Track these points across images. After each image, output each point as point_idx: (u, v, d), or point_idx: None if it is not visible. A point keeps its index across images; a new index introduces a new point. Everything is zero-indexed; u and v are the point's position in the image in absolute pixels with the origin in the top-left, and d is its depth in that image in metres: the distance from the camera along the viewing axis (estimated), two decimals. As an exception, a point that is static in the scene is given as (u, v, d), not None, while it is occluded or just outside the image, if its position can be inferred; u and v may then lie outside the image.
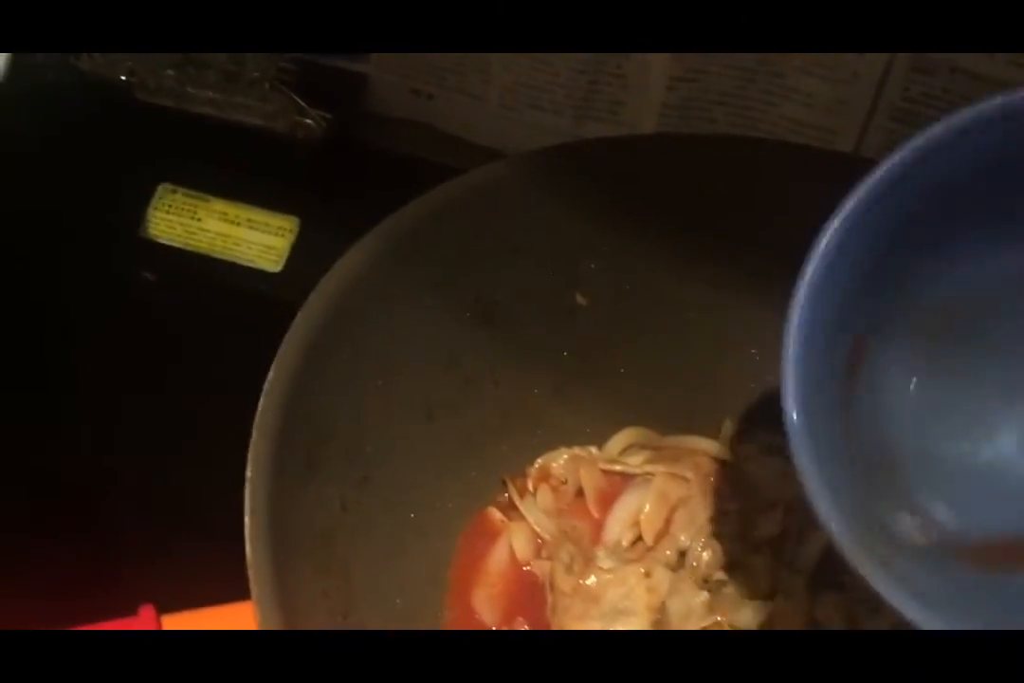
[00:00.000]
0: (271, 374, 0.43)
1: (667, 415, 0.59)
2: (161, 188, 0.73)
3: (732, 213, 0.58)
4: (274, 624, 0.35)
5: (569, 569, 0.49)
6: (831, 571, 0.53)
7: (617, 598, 0.48)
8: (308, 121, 0.82)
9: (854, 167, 0.59)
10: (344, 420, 0.48)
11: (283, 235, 0.74)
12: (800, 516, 0.54)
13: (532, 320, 0.57)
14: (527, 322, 0.57)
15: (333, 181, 0.76)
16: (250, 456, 0.40)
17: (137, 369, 0.64)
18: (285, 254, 0.72)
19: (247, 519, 0.37)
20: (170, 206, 0.73)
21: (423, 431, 0.53)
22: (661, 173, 0.57)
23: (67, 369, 0.64)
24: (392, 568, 0.48)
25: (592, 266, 0.58)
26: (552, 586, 0.50)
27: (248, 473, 0.39)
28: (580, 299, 0.59)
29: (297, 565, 0.40)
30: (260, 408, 0.42)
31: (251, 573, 0.36)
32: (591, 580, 0.48)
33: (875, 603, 0.50)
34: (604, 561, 0.49)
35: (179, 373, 0.65)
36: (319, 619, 0.41)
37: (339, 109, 0.78)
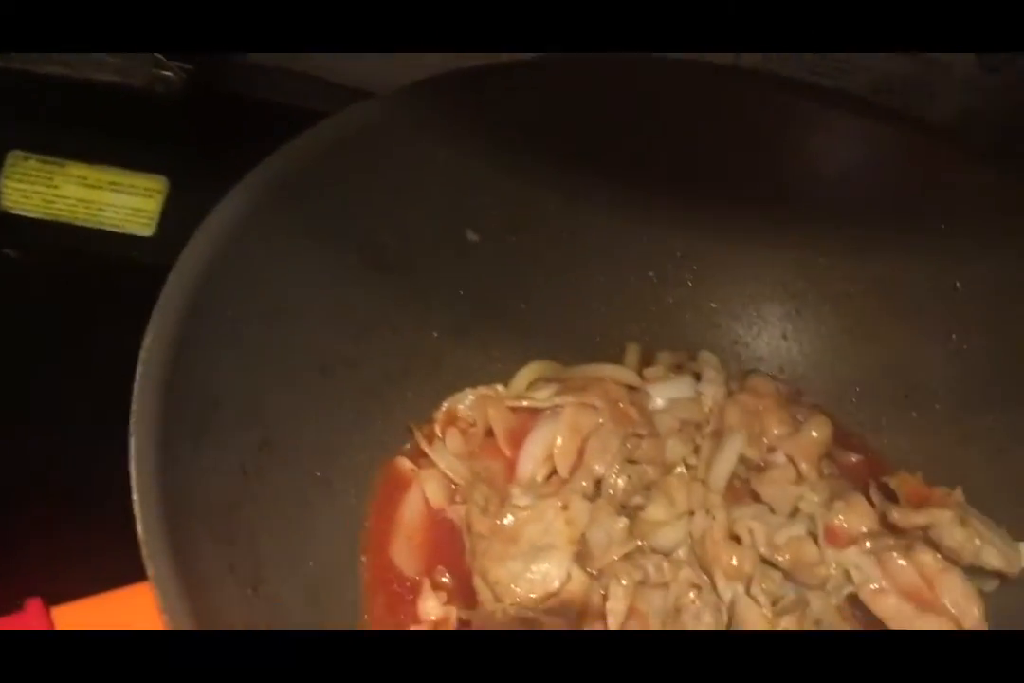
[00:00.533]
0: (146, 340, 0.40)
1: (571, 346, 0.58)
2: (11, 156, 0.68)
3: (620, 136, 0.56)
4: (175, 602, 0.33)
5: (485, 511, 0.48)
6: (745, 484, 0.53)
7: (536, 535, 0.47)
8: (167, 74, 0.77)
9: (739, 80, 0.59)
10: (234, 383, 0.45)
11: (152, 196, 0.69)
12: (709, 433, 0.54)
13: (424, 261, 0.55)
14: (419, 263, 0.55)
15: (200, 135, 0.72)
16: (132, 428, 0.37)
17: (9, 352, 0.60)
18: (156, 216, 0.68)
19: (135, 495, 0.35)
20: (23, 174, 0.68)
21: (321, 386, 0.50)
22: (544, 99, 0.55)
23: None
24: (303, 531, 0.46)
25: (481, 201, 0.56)
26: (469, 529, 0.49)
27: (132, 447, 0.36)
28: (472, 235, 0.57)
29: (196, 540, 0.38)
30: (138, 377, 0.39)
31: (144, 552, 0.34)
32: (508, 519, 0.47)
33: (792, 514, 0.51)
34: (519, 499, 0.48)
35: (55, 352, 0.61)
36: (227, 593, 0.39)
37: (200, 59, 0.73)
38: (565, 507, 0.47)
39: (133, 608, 0.34)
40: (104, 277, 0.65)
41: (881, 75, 0.64)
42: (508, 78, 0.56)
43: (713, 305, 0.61)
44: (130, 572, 0.34)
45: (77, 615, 0.34)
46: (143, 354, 0.40)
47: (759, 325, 0.61)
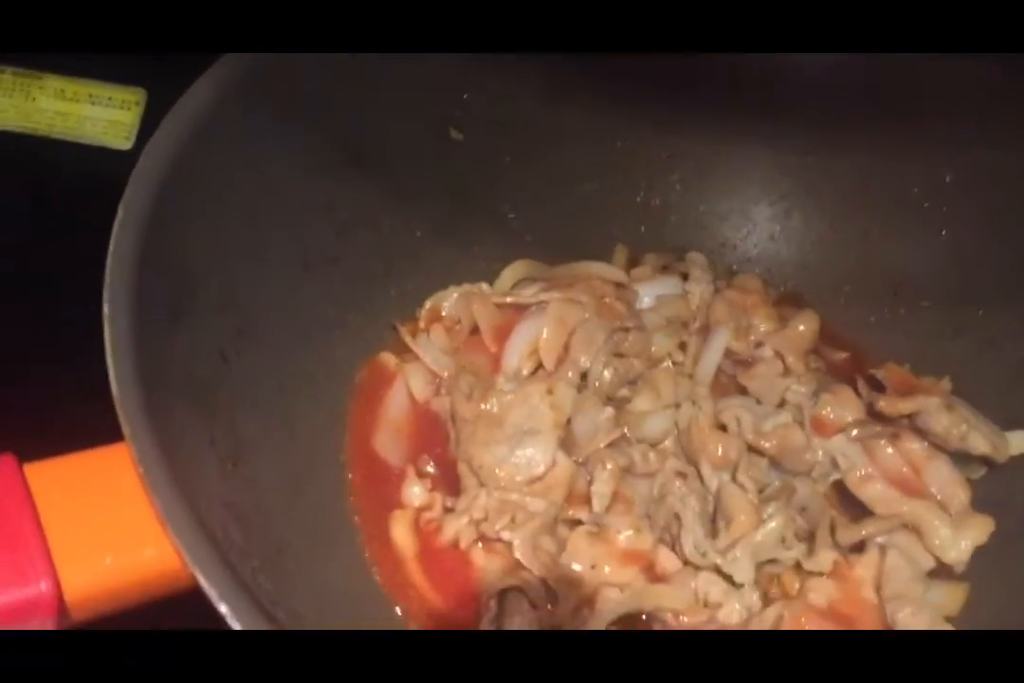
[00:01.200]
0: (120, 212, 0.39)
1: (556, 247, 0.58)
2: (-14, 69, 0.66)
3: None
4: (153, 461, 0.32)
5: (469, 397, 0.48)
6: (732, 380, 0.53)
7: (521, 419, 0.46)
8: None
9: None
10: (211, 270, 0.44)
11: (129, 109, 0.68)
12: (696, 329, 0.54)
13: (408, 160, 0.54)
14: (403, 162, 0.54)
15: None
16: (106, 294, 0.36)
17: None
18: (135, 129, 0.67)
19: (109, 356, 0.34)
20: (-1, 88, 0.67)
21: (301, 280, 0.50)
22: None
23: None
24: (284, 417, 0.46)
25: (464, 98, 0.55)
26: (454, 416, 0.48)
27: (105, 310, 0.36)
28: (455, 134, 0.56)
29: (175, 409, 0.37)
30: (112, 245, 0.38)
31: (120, 411, 0.33)
32: (492, 403, 0.47)
33: (779, 405, 0.50)
34: (505, 385, 0.48)
35: (31, 259, 0.60)
36: (206, 464, 0.39)
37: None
38: (550, 391, 0.47)
39: (108, 468, 0.33)
40: (82, 189, 0.64)
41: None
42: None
43: (701, 208, 0.60)
44: (108, 433, 0.34)
45: (50, 473, 0.33)
46: (116, 225, 0.39)
47: (747, 227, 0.60)
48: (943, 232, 0.55)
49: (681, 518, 0.45)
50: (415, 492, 0.47)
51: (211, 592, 0.29)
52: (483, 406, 0.47)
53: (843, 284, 0.58)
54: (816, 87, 0.55)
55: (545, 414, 0.46)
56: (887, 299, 0.57)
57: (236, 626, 0.29)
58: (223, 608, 0.29)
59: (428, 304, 0.54)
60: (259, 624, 0.29)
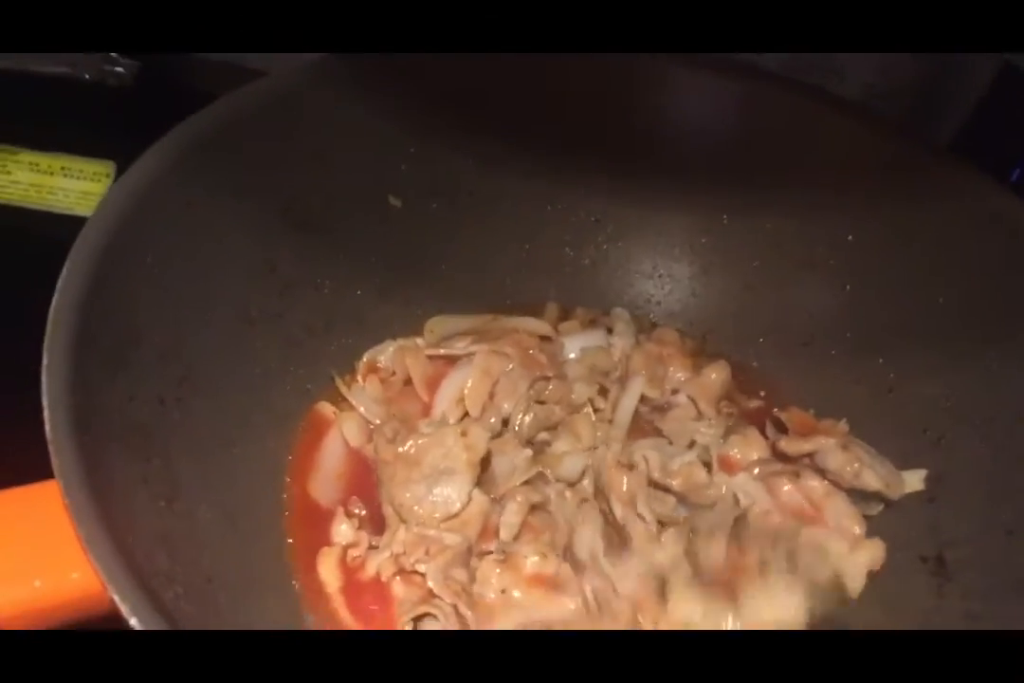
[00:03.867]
0: (64, 271, 0.43)
1: (491, 304, 0.61)
2: (-35, 146, 0.71)
3: (535, 108, 0.60)
4: (76, 491, 0.35)
5: (392, 441, 0.51)
6: (650, 424, 0.56)
7: (437, 459, 0.49)
8: (118, 69, 0.80)
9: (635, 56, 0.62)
10: (155, 323, 0.47)
11: (100, 180, 0.73)
12: (617, 379, 0.57)
13: (348, 224, 0.58)
14: (343, 226, 0.58)
15: (146, 122, 0.75)
16: (46, 344, 0.40)
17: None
18: (105, 199, 0.71)
19: (45, 402, 0.37)
20: (-23, 163, 0.71)
21: (244, 334, 0.53)
22: (464, 69, 0.57)
23: None
24: (222, 461, 0.48)
25: (402, 167, 0.59)
26: (377, 459, 0.51)
27: (44, 360, 0.39)
28: (394, 200, 0.60)
29: (108, 450, 0.40)
30: (54, 303, 0.42)
31: (51, 449, 0.36)
32: (409, 445, 0.50)
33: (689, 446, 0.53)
34: (424, 428, 0.51)
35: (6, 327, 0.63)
36: (139, 501, 0.41)
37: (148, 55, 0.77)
38: (464, 433, 0.50)
39: (41, 503, 0.36)
40: (54, 256, 0.68)
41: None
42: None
43: (627, 266, 0.64)
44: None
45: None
46: (60, 283, 0.42)
47: (670, 284, 0.64)
48: (847, 287, 0.59)
49: (577, 530, 0.48)
50: (343, 530, 0.50)
51: (122, 606, 0.32)
52: (401, 448, 0.50)
53: (758, 336, 0.62)
54: (730, 159, 0.60)
55: (459, 454, 0.49)
56: (798, 348, 0.60)
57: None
58: (133, 621, 0.32)
59: (365, 358, 0.57)
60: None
